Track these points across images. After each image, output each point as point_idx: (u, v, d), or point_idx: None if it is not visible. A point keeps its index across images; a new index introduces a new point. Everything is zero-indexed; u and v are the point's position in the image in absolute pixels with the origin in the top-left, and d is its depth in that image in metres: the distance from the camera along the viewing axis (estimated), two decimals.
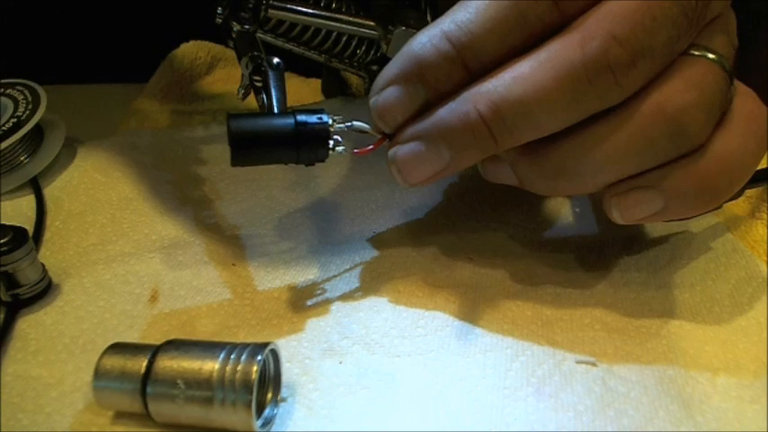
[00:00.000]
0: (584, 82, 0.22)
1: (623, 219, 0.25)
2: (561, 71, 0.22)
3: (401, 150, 0.25)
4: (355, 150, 0.26)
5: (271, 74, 0.28)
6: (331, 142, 0.25)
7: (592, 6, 0.23)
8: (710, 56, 0.24)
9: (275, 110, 0.26)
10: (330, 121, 0.25)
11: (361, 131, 0.26)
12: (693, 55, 0.24)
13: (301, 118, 0.24)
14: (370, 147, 0.26)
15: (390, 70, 0.24)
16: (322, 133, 0.24)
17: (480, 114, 0.23)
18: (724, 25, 0.25)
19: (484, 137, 0.23)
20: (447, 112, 0.24)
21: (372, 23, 0.34)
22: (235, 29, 0.31)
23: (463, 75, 0.24)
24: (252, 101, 0.30)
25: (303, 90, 0.46)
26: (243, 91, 0.30)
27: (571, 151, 0.24)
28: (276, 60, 0.28)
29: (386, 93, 0.25)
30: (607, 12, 0.22)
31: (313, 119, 0.24)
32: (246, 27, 0.31)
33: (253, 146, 0.24)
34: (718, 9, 0.25)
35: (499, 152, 0.24)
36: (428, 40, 0.24)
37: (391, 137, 0.26)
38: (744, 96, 0.25)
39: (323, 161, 0.25)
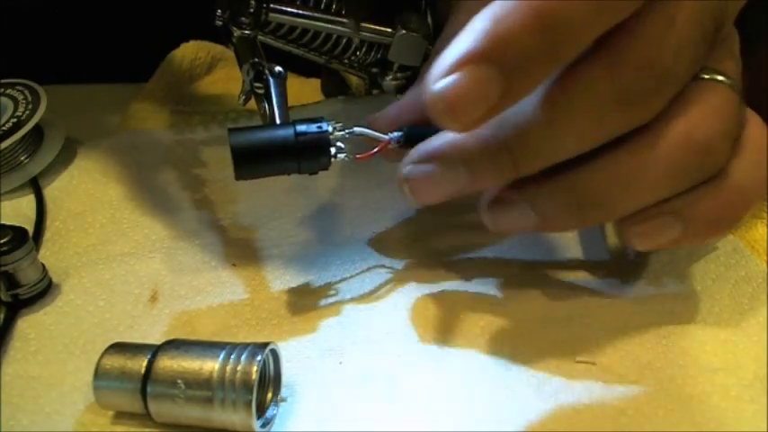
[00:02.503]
0: (611, 108, 0.22)
1: (643, 246, 0.25)
2: (589, 96, 0.22)
3: (416, 170, 0.24)
4: (357, 156, 0.26)
5: (272, 82, 0.28)
6: (333, 150, 0.25)
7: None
8: (725, 80, 0.24)
9: (277, 119, 0.27)
10: (330, 129, 0.25)
11: (363, 136, 0.26)
12: (709, 79, 0.23)
13: (301, 128, 0.24)
14: (373, 151, 0.26)
15: (460, 48, 0.20)
16: (322, 142, 0.24)
17: (501, 139, 0.23)
18: (730, 46, 0.25)
19: (504, 161, 0.23)
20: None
21: (372, 26, 0.34)
22: (235, 34, 0.31)
23: (547, 66, 0.21)
24: (252, 102, 0.30)
25: (303, 90, 0.46)
26: (244, 97, 0.30)
27: (600, 180, 0.23)
28: (278, 69, 0.28)
29: (454, 79, 0.20)
30: (636, 35, 0.22)
31: (313, 128, 0.25)
32: (247, 32, 0.31)
33: (255, 159, 0.24)
34: (726, 31, 0.24)
35: (518, 177, 0.24)
36: (519, 20, 0.19)
37: (406, 143, 0.26)
38: (751, 121, 0.25)
39: (326, 169, 0.25)
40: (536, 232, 0.26)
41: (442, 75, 0.20)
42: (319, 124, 0.25)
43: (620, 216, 0.24)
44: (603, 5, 0.20)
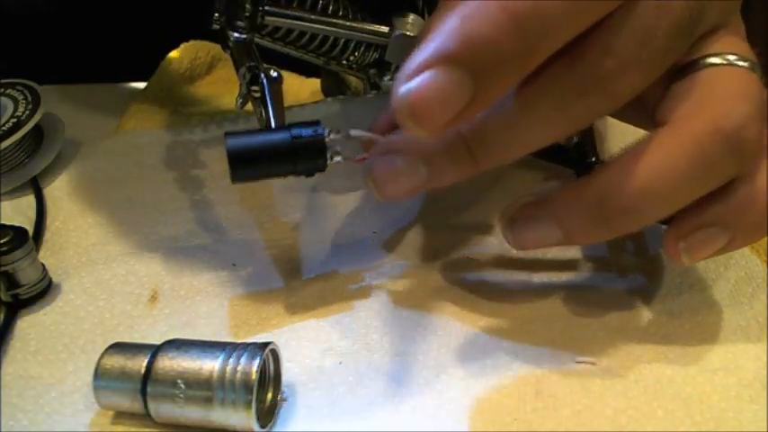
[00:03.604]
0: (572, 98, 0.21)
1: (691, 260, 0.24)
2: (548, 87, 0.21)
3: (377, 163, 0.24)
4: (354, 159, 0.26)
5: (267, 87, 0.28)
6: (329, 153, 0.25)
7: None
8: (741, 62, 0.23)
9: (273, 123, 0.27)
10: (326, 133, 0.25)
11: (359, 138, 0.26)
12: (725, 64, 0.23)
13: (296, 132, 0.24)
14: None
15: (427, 50, 0.19)
16: (318, 145, 0.25)
17: (460, 134, 0.22)
18: (737, 32, 0.24)
19: (463, 157, 0.22)
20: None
21: (369, 27, 0.34)
22: (231, 38, 0.31)
23: (522, 65, 0.20)
24: (251, 104, 0.30)
25: (303, 90, 0.46)
26: (241, 100, 0.30)
27: (625, 185, 0.22)
28: (274, 73, 0.28)
29: (420, 81, 0.19)
30: (601, 27, 0.21)
31: (308, 132, 0.25)
32: (243, 36, 0.31)
33: (251, 162, 0.24)
34: (725, 15, 0.24)
35: (479, 172, 0.23)
36: (488, 18, 0.19)
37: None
38: None
39: (322, 171, 0.25)
40: (562, 246, 0.25)
41: (408, 77, 0.19)
42: (315, 128, 0.25)
43: (652, 222, 0.23)
44: (580, 6, 0.20)
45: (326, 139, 0.25)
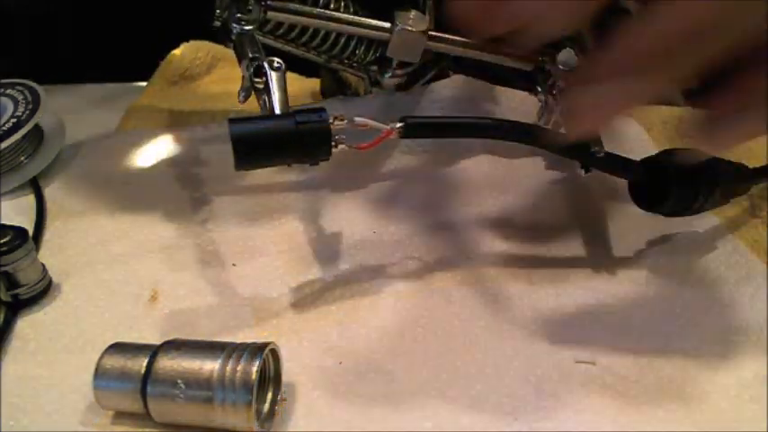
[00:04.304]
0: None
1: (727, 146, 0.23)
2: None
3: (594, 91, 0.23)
4: (358, 146, 0.26)
5: (272, 75, 0.27)
6: (333, 139, 0.25)
7: None
8: None
9: (277, 111, 0.26)
10: (330, 119, 0.25)
11: (363, 126, 0.26)
12: None
13: (301, 117, 0.24)
14: (374, 140, 0.26)
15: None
16: (323, 131, 0.24)
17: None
18: None
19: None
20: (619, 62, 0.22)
21: (370, 22, 0.34)
22: (234, 31, 0.31)
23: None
24: (251, 102, 0.30)
25: (302, 90, 0.46)
26: (243, 93, 0.29)
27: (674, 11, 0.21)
28: (277, 62, 0.28)
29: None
30: None
31: (313, 117, 0.24)
32: (246, 29, 0.31)
33: (255, 148, 0.24)
34: None
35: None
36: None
37: (406, 133, 0.26)
38: None
39: (327, 159, 0.25)
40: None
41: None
42: (320, 113, 0.25)
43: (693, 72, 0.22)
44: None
45: (331, 126, 0.24)
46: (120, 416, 0.24)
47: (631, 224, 0.33)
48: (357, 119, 0.25)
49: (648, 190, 0.30)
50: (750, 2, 0.21)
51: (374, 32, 0.34)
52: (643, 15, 0.21)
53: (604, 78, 0.22)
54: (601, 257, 0.31)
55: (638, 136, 0.38)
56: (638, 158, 0.30)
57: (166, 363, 0.23)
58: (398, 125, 0.26)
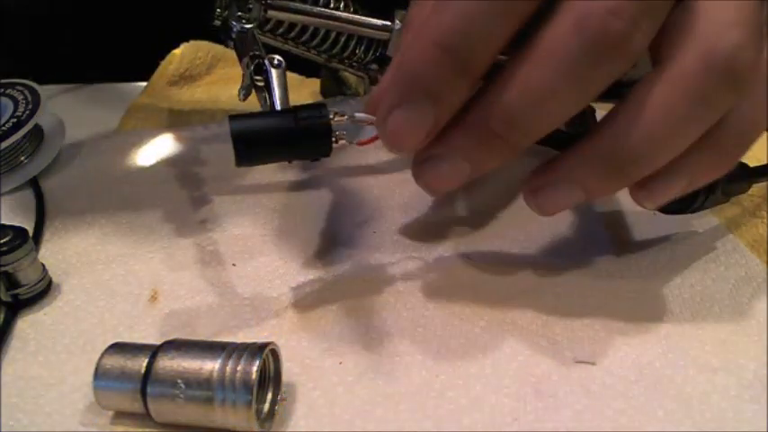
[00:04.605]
0: (589, 67, 0.21)
1: (652, 205, 0.25)
2: (565, 64, 0.21)
3: (422, 169, 0.24)
4: (358, 142, 0.26)
5: (273, 72, 0.27)
6: (334, 135, 0.25)
7: None
8: None
9: (277, 107, 0.26)
10: (331, 115, 0.25)
11: (364, 123, 0.26)
12: None
13: (302, 114, 0.24)
14: (374, 136, 0.26)
15: (389, 94, 0.23)
16: (323, 128, 0.24)
17: (494, 130, 0.22)
18: None
19: (501, 147, 0.23)
20: (460, 134, 0.23)
21: (370, 21, 0.34)
22: (235, 29, 0.31)
23: (465, 78, 0.22)
24: (251, 101, 0.30)
25: (302, 90, 0.46)
26: (244, 92, 0.29)
27: (629, 132, 0.22)
28: (277, 59, 0.28)
29: (392, 118, 0.23)
30: None
31: (314, 114, 0.24)
32: (246, 27, 0.31)
33: (255, 145, 0.24)
34: None
35: (517, 154, 0.23)
36: (420, 53, 0.22)
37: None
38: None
39: (327, 155, 0.25)
40: (585, 202, 0.25)
41: (381, 119, 0.23)
42: (320, 110, 0.24)
43: (663, 163, 0.23)
44: (502, 17, 0.21)
45: (331, 122, 0.24)
46: (120, 416, 0.24)
47: (631, 223, 0.33)
48: (357, 114, 0.25)
49: None
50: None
51: (374, 32, 0.34)
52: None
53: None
54: (601, 257, 0.31)
55: None
56: None
57: (166, 363, 0.23)
58: None
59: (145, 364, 0.23)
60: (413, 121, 0.22)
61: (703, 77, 0.21)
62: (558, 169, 0.24)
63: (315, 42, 0.36)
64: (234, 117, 0.24)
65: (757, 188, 0.34)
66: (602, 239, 0.33)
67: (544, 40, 0.21)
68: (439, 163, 0.24)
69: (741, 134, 0.23)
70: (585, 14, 0.20)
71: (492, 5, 0.21)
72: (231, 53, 0.31)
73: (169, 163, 0.39)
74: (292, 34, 0.35)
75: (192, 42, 0.48)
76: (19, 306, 0.29)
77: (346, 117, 0.25)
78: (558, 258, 0.31)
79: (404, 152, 0.24)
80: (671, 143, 0.22)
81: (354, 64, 0.39)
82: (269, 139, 0.24)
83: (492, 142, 0.23)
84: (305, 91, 0.46)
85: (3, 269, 0.28)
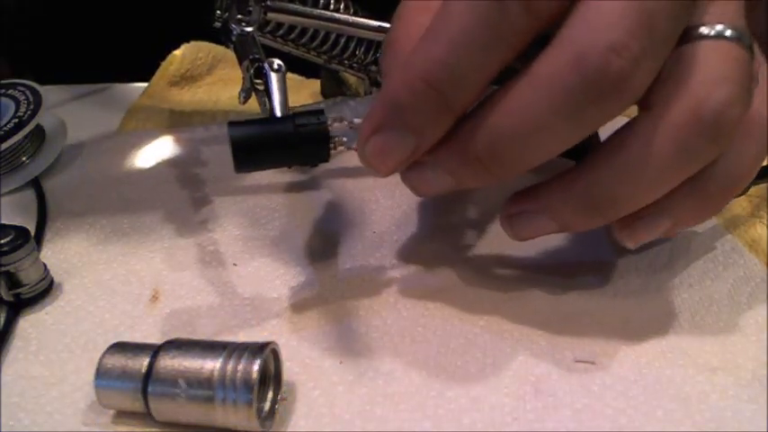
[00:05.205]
0: (586, 104, 0.20)
1: (633, 244, 0.26)
2: (560, 99, 0.20)
3: (410, 170, 0.24)
4: (356, 147, 0.26)
5: (272, 76, 0.28)
6: (332, 141, 0.25)
7: (566, 4, 0.20)
8: (729, 33, 0.21)
9: (277, 113, 0.27)
10: (329, 121, 0.25)
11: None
12: (712, 36, 0.21)
13: (300, 120, 0.24)
14: None
15: (372, 118, 0.23)
16: (322, 134, 0.25)
17: (476, 154, 0.22)
18: None
19: (483, 172, 0.23)
20: (445, 151, 0.23)
21: (370, 23, 0.34)
22: (235, 32, 0.31)
23: (448, 114, 0.22)
24: (252, 103, 0.30)
25: (302, 90, 0.46)
26: (244, 94, 0.30)
27: (609, 174, 0.23)
28: (277, 63, 0.28)
29: (372, 142, 0.23)
30: (594, 15, 0.20)
31: (312, 120, 0.25)
32: (247, 30, 0.31)
33: (254, 151, 0.24)
34: None
35: (499, 182, 0.23)
36: (405, 85, 0.22)
37: None
38: (757, 93, 0.23)
39: (326, 161, 0.25)
40: (559, 232, 0.26)
41: (362, 140, 0.23)
42: (318, 116, 0.25)
43: (640, 206, 0.23)
44: (486, 54, 0.21)
45: (330, 128, 0.25)
46: (122, 415, 0.24)
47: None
48: (356, 120, 0.25)
49: None
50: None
51: (374, 33, 0.34)
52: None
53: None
54: (600, 257, 0.32)
55: None
56: None
57: (167, 362, 0.23)
58: None
59: (146, 363, 0.23)
60: (391, 148, 0.23)
61: (690, 129, 0.21)
62: (536, 199, 0.25)
63: (315, 44, 0.36)
64: (233, 124, 0.24)
65: (756, 189, 0.34)
66: (602, 239, 0.33)
67: (541, 72, 0.21)
68: (424, 170, 0.24)
69: (726, 183, 0.24)
70: (585, 49, 0.20)
71: (483, 36, 0.21)
72: (232, 54, 0.31)
73: (170, 164, 0.39)
74: (292, 36, 0.36)
75: (192, 43, 0.48)
76: (20, 305, 0.29)
77: (345, 123, 0.25)
78: (558, 258, 0.31)
79: (382, 175, 0.24)
80: (651, 188, 0.23)
81: (354, 65, 0.39)
82: (268, 145, 0.24)
83: (474, 165, 0.23)
84: (305, 92, 0.46)
85: (4, 269, 0.28)
